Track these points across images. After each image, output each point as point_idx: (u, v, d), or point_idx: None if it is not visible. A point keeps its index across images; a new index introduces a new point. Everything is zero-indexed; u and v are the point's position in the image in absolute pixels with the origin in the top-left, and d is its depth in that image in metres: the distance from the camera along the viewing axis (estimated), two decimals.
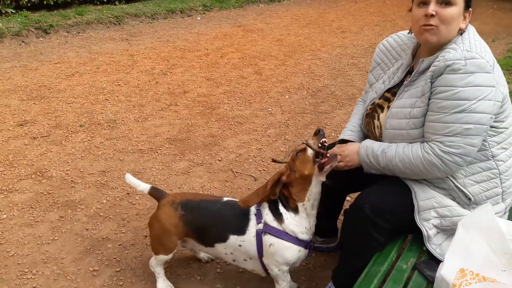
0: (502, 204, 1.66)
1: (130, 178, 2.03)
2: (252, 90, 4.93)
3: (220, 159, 3.39)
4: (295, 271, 2.23)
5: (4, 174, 2.99)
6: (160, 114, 4.15)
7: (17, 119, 3.85)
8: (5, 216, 2.56)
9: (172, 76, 5.24)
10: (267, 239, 1.76)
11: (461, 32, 1.59)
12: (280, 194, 1.76)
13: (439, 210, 1.62)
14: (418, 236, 1.69)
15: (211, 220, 1.87)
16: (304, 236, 1.78)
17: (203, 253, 2.26)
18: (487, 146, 1.57)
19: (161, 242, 1.95)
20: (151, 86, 4.87)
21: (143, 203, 2.75)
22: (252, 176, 3.16)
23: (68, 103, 4.25)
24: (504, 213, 1.68)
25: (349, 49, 6.98)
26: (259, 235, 1.78)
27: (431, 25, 1.54)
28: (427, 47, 1.68)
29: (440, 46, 1.61)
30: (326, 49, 6.97)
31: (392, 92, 1.81)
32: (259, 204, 1.81)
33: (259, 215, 1.81)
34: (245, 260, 1.87)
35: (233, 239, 1.82)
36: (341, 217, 2.33)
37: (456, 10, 1.53)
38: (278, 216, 1.76)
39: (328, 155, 1.71)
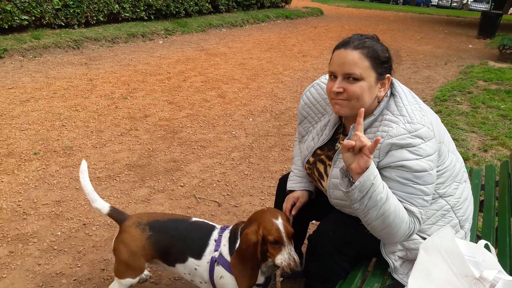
0: (462, 231, 1.69)
1: (85, 177, 1.87)
2: (215, 113, 4.90)
3: (182, 184, 3.31)
4: None
5: None
6: (120, 139, 4.03)
7: None
8: None
9: (132, 100, 5.14)
10: (219, 270, 1.73)
11: (389, 96, 1.54)
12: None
13: (405, 243, 1.62)
14: (381, 260, 1.68)
15: (176, 240, 1.82)
16: (258, 280, 1.73)
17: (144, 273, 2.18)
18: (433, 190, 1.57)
19: (129, 266, 1.85)
20: (111, 110, 4.75)
21: (100, 234, 2.62)
22: (216, 201, 3.10)
23: (22, 130, 4.05)
24: (465, 237, 1.70)
25: (310, 73, 7.14)
26: (212, 263, 1.74)
27: (340, 99, 1.50)
28: (353, 116, 1.55)
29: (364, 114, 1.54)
30: (288, 72, 7.09)
31: (325, 153, 1.74)
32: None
33: (218, 243, 1.77)
34: (201, 282, 1.83)
35: (191, 261, 1.79)
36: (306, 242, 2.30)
37: (364, 84, 1.46)
38: (232, 251, 1.72)
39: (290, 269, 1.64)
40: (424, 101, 6.04)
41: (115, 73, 6.26)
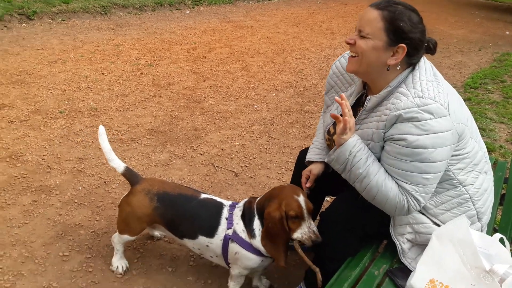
0: (478, 224, 1.64)
1: (103, 138, 1.94)
2: (238, 86, 4.89)
3: (201, 152, 3.35)
4: (269, 269, 2.20)
5: None
6: (143, 104, 4.09)
7: None
8: None
9: (157, 68, 5.17)
10: (233, 247, 1.77)
11: (412, 67, 1.52)
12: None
13: (415, 226, 1.60)
14: (392, 243, 1.67)
15: (184, 218, 1.86)
16: None
17: (157, 232, 2.29)
18: (452, 175, 1.53)
19: (129, 226, 1.95)
20: (136, 76, 4.80)
21: (119, 192, 2.70)
22: (233, 171, 3.13)
23: (49, 89, 4.15)
24: (481, 230, 1.67)
25: (338, 51, 7.01)
26: (226, 240, 1.79)
27: (352, 55, 1.55)
28: (369, 83, 1.63)
29: (373, 82, 1.57)
30: (315, 49, 6.98)
31: None
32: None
33: (230, 221, 1.80)
34: (211, 256, 1.90)
35: (202, 239, 1.84)
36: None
37: (370, 42, 1.46)
38: (250, 230, 1.74)
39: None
40: (453, 88, 5.84)
41: (141, 40, 6.29)
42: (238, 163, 3.26)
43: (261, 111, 4.29)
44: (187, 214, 1.86)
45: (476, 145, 1.56)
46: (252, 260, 1.76)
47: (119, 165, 1.96)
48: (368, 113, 1.58)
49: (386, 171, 1.50)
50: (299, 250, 1.66)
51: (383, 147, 1.51)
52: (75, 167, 2.92)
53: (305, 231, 1.66)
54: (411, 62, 1.51)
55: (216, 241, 1.81)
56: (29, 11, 6.60)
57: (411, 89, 1.44)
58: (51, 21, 6.81)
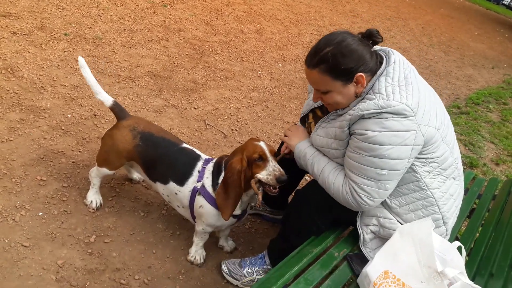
0: (443, 227, 1.70)
1: (86, 71, 1.94)
2: (247, 48, 4.84)
3: (196, 107, 3.36)
4: (237, 232, 2.28)
5: None
6: (149, 45, 4.04)
7: (1, 9, 3.66)
8: None
9: (171, 10, 5.06)
10: (199, 200, 1.84)
11: (380, 75, 1.53)
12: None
13: (381, 220, 1.67)
14: (356, 231, 1.75)
15: (161, 161, 1.91)
16: (236, 211, 1.84)
17: (136, 174, 2.35)
18: (419, 177, 1.57)
19: (109, 159, 1.99)
20: (148, 14, 4.70)
21: (108, 128, 2.71)
22: (223, 132, 3.16)
23: (59, 8, 4.06)
24: (446, 235, 1.73)
25: None
26: (194, 192, 1.85)
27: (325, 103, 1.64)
28: None
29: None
30: (333, 28, 6.86)
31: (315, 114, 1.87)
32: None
33: (201, 174, 1.85)
34: (178, 206, 1.97)
35: (173, 185, 1.89)
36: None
37: (333, 93, 1.55)
38: (214, 184, 1.81)
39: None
40: (456, 99, 5.80)
41: None
42: (229, 126, 3.28)
43: (264, 79, 4.27)
44: (165, 158, 1.90)
45: (448, 151, 1.59)
46: (216, 216, 1.83)
47: (107, 99, 1.98)
48: (337, 115, 1.64)
49: (336, 168, 1.63)
50: (253, 184, 1.72)
51: (344, 148, 1.59)
52: (68, 94, 2.91)
53: (270, 171, 1.72)
54: (374, 72, 1.54)
55: (185, 191, 1.87)
56: None
57: (377, 94, 1.48)
58: None
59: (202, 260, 2.03)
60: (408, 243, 1.51)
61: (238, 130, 3.27)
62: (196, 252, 2.02)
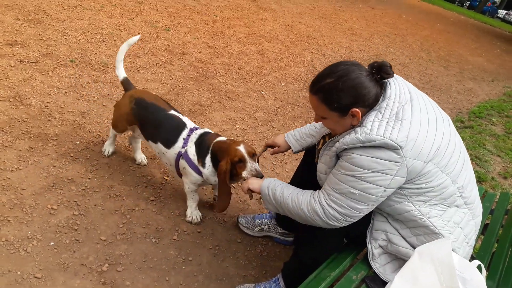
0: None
1: (124, 49, 2.50)
2: (250, 69, 4.88)
3: None
4: (249, 256, 2.26)
5: None
6: (154, 69, 4.08)
7: (8, 37, 3.71)
8: None
9: (174, 34, 5.13)
10: (182, 162, 2.21)
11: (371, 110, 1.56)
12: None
13: (389, 235, 1.66)
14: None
15: (151, 123, 2.28)
16: (211, 180, 2.21)
17: (140, 156, 2.71)
18: (412, 206, 1.56)
19: (116, 122, 2.47)
20: (151, 39, 4.76)
21: (116, 154, 2.72)
22: None
23: (64, 35, 4.11)
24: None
25: (355, 53, 6.97)
26: (178, 156, 2.21)
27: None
28: None
29: None
30: (333, 47, 6.93)
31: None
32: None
33: (185, 141, 2.20)
34: (167, 164, 2.33)
35: (160, 146, 2.27)
36: None
37: (330, 121, 1.61)
38: (202, 160, 2.16)
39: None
40: (458, 113, 5.83)
41: (164, 2, 6.22)
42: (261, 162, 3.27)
43: (268, 99, 4.30)
44: (154, 121, 2.26)
45: (447, 180, 1.55)
46: (195, 177, 2.19)
47: (121, 74, 2.50)
48: (334, 142, 1.65)
49: (299, 193, 1.70)
50: (245, 190, 1.92)
51: None
52: (76, 120, 2.92)
53: (249, 170, 2.02)
54: (373, 106, 1.53)
55: (171, 153, 2.23)
56: None
57: (362, 127, 1.49)
58: None
59: (199, 219, 2.36)
60: (428, 264, 1.49)
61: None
62: (192, 213, 2.35)
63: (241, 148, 2.05)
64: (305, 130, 2.15)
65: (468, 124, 5.19)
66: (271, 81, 4.76)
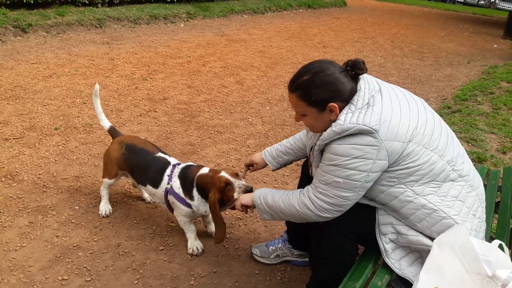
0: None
1: (96, 103, 2.60)
2: (233, 100, 4.92)
3: None
4: (270, 285, 2.21)
5: None
6: (138, 120, 4.09)
7: None
8: None
9: (152, 82, 5.18)
10: (171, 198, 2.27)
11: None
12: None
13: (397, 226, 1.65)
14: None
15: (140, 167, 2.37)
16: (201, 210, 2.25)
17: (146, 195, 2.79)
18: (405, 187, 1.57)
19: (107, 169, 2.53)
20: (131, 91, 4.80)
21: (116, 211, 2.69)
22: None
23: (44, 105, 4.14)
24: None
25: None
26: (166, 193, 2.28)
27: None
28: None
29: None
30: (308, 62, 7.04)
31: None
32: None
33: (170, 177, 2.27)
34: (159, 203, 2.40)
35: (150, 187, 2.35)
36: None
37: (309, 117, 1.65)
38: (189, 194, 2.20)
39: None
40: (443, 99, 5.91)
41: (136, 54, 6.31)
42: (246, 180, 3.25)
43: (256, 124, 4.32)
44: (142, 165, 2.35)
45: (434, 156, 1.56)
46: (184, 210, 2.25)
47: (106, 124, 2.64)
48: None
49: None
50: (239, 209, 2.01)
51: None
52: (71, 186, 2.90)
53: (237, 189, 2.07)
54: (348, 101, 1.60)
55: (159, 192, 2.30)
56: (24, 23, 6.60)
57: (337, 121, 1.57)
58: (45, 34, 6.81)
59: (200, 250, 2.39)
60: (449, 253, 1.46)
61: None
62: (192, 245, 2.38)
63: (223, 173, 2.12)
64: (281, 148, 2.22)
65: (455, 109, 5.24)
66: (255, 107, 4.79)
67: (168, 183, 2.26)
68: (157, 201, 2.41)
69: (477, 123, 4.72)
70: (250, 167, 2.33)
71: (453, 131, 4.47)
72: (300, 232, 2.23)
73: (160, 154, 2.40)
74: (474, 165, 1.99)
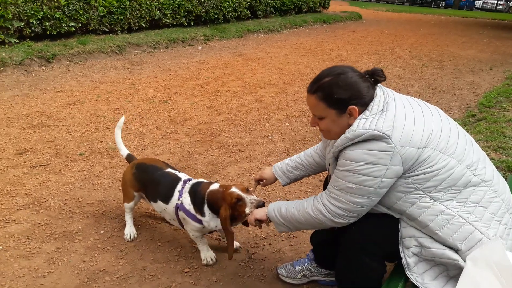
0: (485, 238, 1.58)
1: (117, 134, 2.73)
2: (252, 118, 4.94)
3: None
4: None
5: (2, 204, 2.94)
6: (161, 142, 4.14)
7: (17, 147, 3.83)
8: (0, 247, 2.50)
9: (173, 104, 5.26)
10: (181, 214, 2.28)
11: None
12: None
13: (420, 239, 1.60)
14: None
15: (150, 183, 2.41)
16: (211, 225, 2.25)
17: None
18: (422, 193, 1.54)
19: (125, 192, 2.59)
20: (152, 114, 4.88)
21: (141, 234, 2.70)
22: None
23: (69, 132, 4.24)
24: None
25: None
26: (176, 209, 2.29)
27: (321, 130, 1.76)
28: None
29: None
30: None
31: None
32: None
33: (180, 193, 2.29)
34: (170, 220, 2.42)
35: (160, 203, 2.37)
36: None
37: (327, 120, 1.65)
38: (200, 210, 2.21)
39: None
40: (467, 108, 5.79)
41: (156, 78, 6.44)
42: (257, 196, 3.23)
43: (276, 141, 4.31)
44: (153, 180, 2.40)
45: (452, 161, 1.53)
46: (195, 225, 2.26)
47: (124, 153, 2.74)
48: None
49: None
50: (252, 224, 2.01)
51: None
52: (96, 210, 2.94)
53: (249, 206, 2.06)
54: (367, 105, 1.61)
55: (170, 208, 2.32)
56: (48, 54, 6.84)
57: (350, 127, 1.58)
58: (68, 63, 7.04)
59: (214, 260, 2.42)
60: (485, 270, 1.39)
61: (266, 198, 3.23)
62: (206, 255, 2.40)
63: (234, 189, 2.12)
64: (291, 163, 2.22)
65: (480, 117, 5.11)
66: (275, 124, 4.79)
67: (179, 199, 2.28)
68: (167, 218, 2.43)
69: (504, 130, 4.58)
70: (260, 182, 2.33)
71: (479, 139, 4.36)
72: (326, 250, 2.18)
73: (169, 170, 2.44)
74: (503, 174, 1.91)
